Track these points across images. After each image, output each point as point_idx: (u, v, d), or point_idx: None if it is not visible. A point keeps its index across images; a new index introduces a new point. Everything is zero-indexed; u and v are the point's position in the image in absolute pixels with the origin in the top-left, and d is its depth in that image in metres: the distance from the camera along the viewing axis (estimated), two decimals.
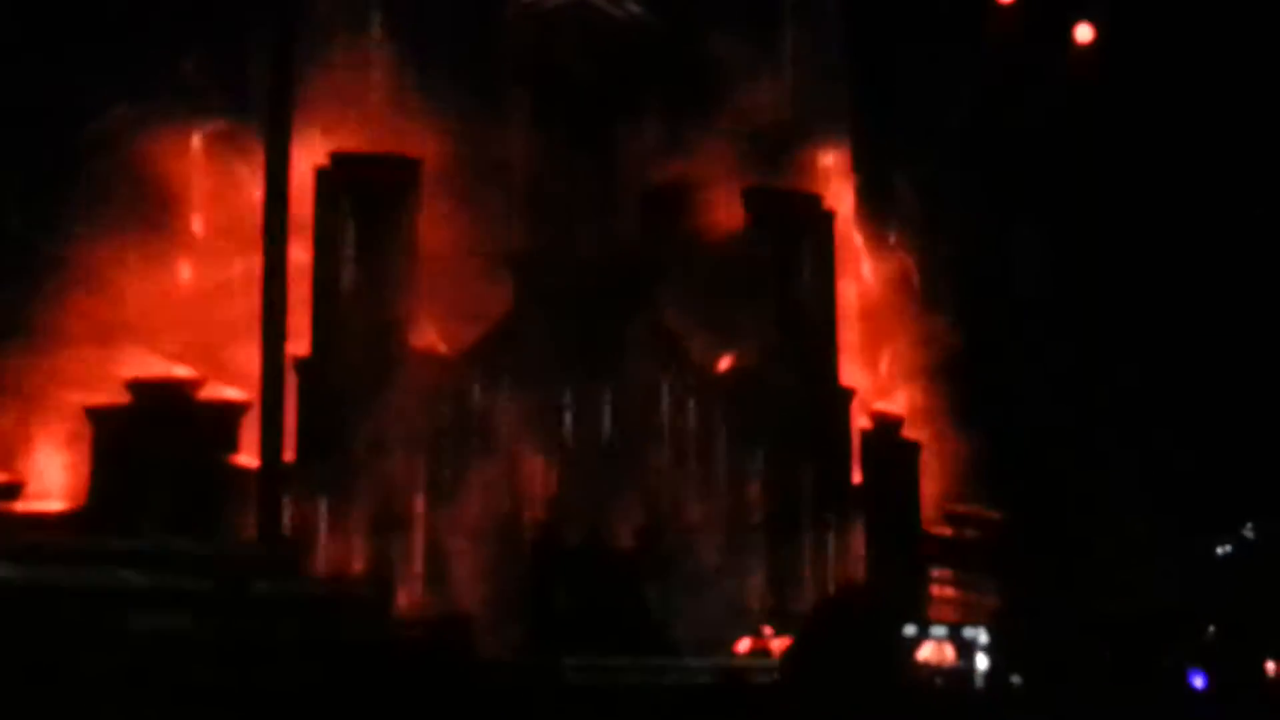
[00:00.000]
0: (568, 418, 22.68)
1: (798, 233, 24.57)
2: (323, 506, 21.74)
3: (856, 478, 23.50)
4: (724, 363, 23.33)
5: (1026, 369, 22.69)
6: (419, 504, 22.28)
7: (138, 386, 21.65)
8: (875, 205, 23.52)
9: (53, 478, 22.31)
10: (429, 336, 22.49)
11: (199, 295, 22.13)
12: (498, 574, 22.04)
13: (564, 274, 22.72)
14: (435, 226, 22.23)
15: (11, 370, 21.32)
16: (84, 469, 22.00)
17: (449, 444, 22.62)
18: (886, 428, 23.52)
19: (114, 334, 21.32)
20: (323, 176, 22.45)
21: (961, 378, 22.76)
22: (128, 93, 21.20)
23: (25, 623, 16.39)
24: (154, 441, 21.38)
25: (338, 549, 21.52)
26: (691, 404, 23.15)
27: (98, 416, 21.74)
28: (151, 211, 21.45)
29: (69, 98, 20.87)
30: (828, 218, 24.35)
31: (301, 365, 21.84)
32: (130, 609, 16.91)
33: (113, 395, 21.68)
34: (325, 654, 17.12)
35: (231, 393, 21.68)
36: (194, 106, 21.61)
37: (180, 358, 21.60)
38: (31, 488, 22.62)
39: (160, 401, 21.47)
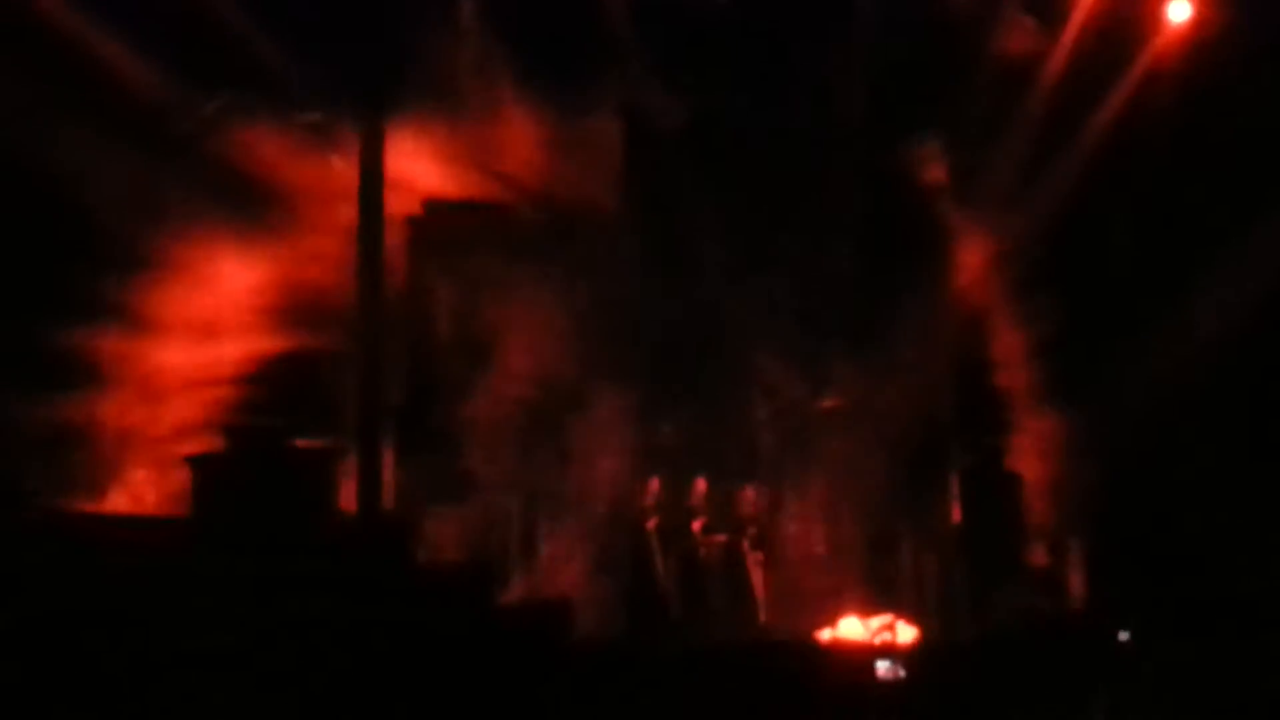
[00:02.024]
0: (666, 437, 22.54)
1: None
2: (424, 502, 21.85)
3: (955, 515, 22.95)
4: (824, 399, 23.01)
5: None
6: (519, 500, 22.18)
7: (232, 432, 21.45)
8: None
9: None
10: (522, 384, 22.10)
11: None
12: (605, 558, 22.01)
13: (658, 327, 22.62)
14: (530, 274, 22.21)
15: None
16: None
17: (549, 476, 22.15)
18: (987, 460, 22.89)
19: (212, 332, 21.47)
20: (415, 224, 22.03)
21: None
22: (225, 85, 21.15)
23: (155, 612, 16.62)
24: (251, 487, 20.97)
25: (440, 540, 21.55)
26: (788, 433, 22.96)
27: (195, 463, 20.59)
28: (249, 208, 21.38)
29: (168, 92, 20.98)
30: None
31: (398, 414, 21.72)
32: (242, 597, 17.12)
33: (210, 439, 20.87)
34: (427, 638, 17.26)
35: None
36: (290, 101, 21.53)
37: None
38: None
39: (256, 448, 21.11)
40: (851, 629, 21.15)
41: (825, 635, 21.03)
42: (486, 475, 21.79)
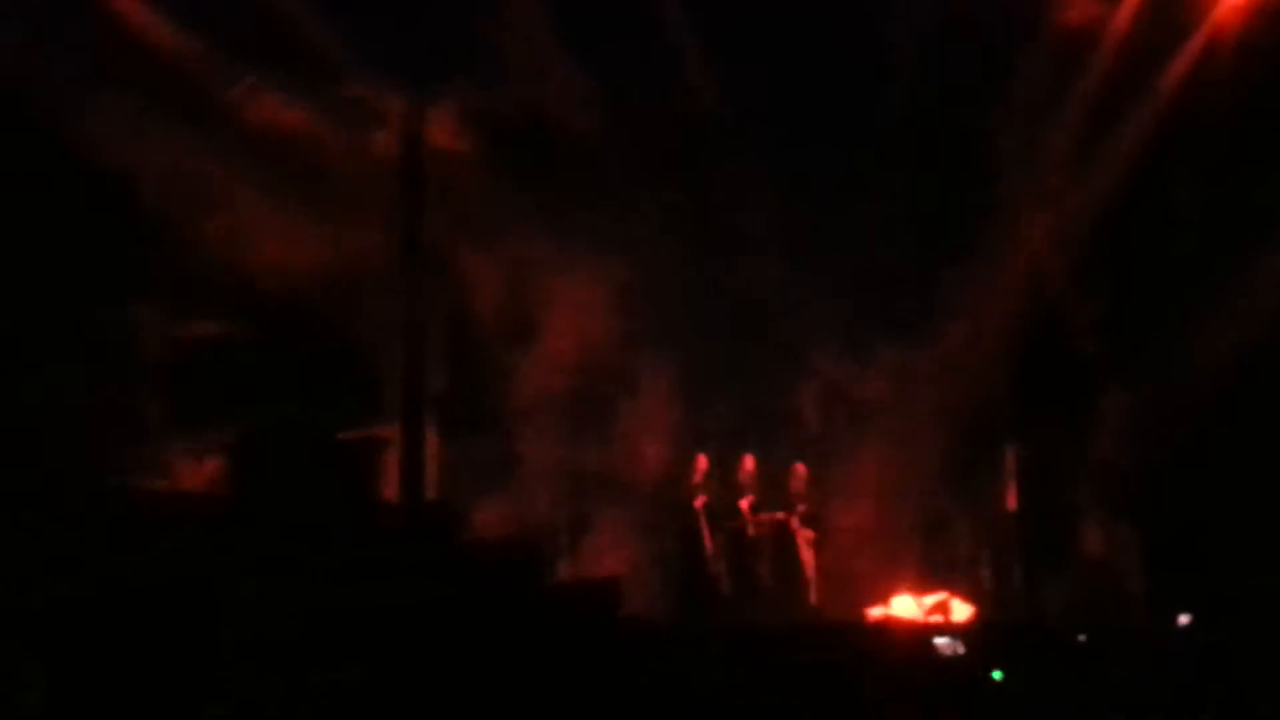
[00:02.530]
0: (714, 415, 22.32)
1: None
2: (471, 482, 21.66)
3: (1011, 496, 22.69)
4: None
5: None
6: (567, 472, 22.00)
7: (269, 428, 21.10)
8: None
9: None
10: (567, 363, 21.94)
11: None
12: (653, 537, 21.82)
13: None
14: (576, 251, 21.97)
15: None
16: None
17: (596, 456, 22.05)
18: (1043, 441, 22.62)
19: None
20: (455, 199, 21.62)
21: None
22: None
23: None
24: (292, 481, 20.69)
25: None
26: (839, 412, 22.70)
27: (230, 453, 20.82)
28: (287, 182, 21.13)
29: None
30: None
31: (441, 398, 21.61)
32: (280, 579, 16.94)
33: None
34: (474, 616, 17.06)
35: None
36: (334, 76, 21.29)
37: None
38: None
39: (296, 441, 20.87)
40: (905, 607, 20.95)
41: (878, 613, 20.87)
42: (532, 456, 21.72)
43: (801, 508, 21.84)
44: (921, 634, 19.24)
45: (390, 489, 20.48)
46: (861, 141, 22.05)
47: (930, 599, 21.08)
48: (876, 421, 22.50)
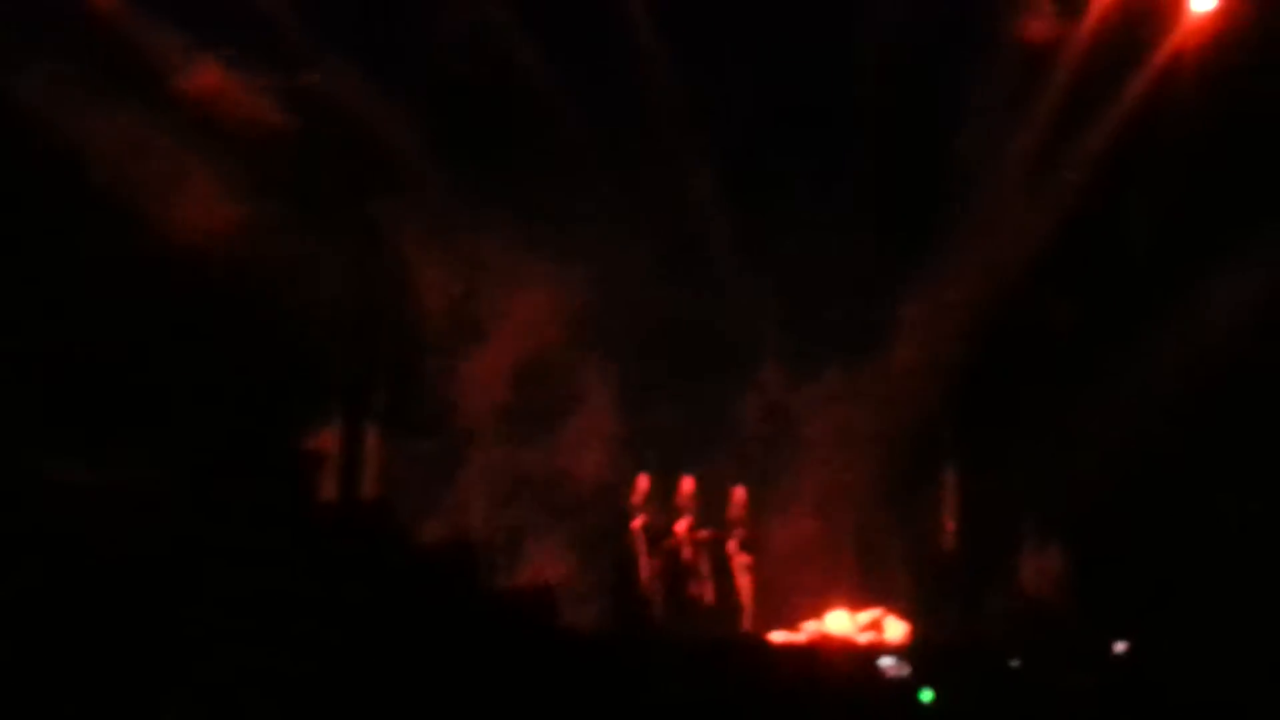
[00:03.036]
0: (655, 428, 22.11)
1: None
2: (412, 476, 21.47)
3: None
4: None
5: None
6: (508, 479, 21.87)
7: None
8: None
9: None
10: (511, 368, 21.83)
11: None
12: (589, 549, 21.63)
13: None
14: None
15: None
16: None
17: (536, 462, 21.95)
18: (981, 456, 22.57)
19: None
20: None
21: None
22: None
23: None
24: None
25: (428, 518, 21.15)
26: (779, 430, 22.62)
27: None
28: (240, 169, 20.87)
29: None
30: None
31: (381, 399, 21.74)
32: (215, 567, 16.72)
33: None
34: (404, 617, 16.88)
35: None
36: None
37: None
38: None
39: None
40: (839, 623, 20.82)
41: (812, 627, 20.73)
42: (472, 460, 21.56)
43: (740, 532, 21.56)
44: (865, 654, 19.23)
45: (329, 490, 20.35)
46: (817, 152, 21.96)
47: (865, 615, 20.94)
48: (817, 437, 22.39)
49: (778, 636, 20.41)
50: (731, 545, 21.51)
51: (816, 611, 20.99)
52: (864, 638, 20.68)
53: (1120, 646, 19.31)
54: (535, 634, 17.70)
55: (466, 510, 21.39)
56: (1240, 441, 21.14)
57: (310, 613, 16.64)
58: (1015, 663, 18.54)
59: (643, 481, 21.44)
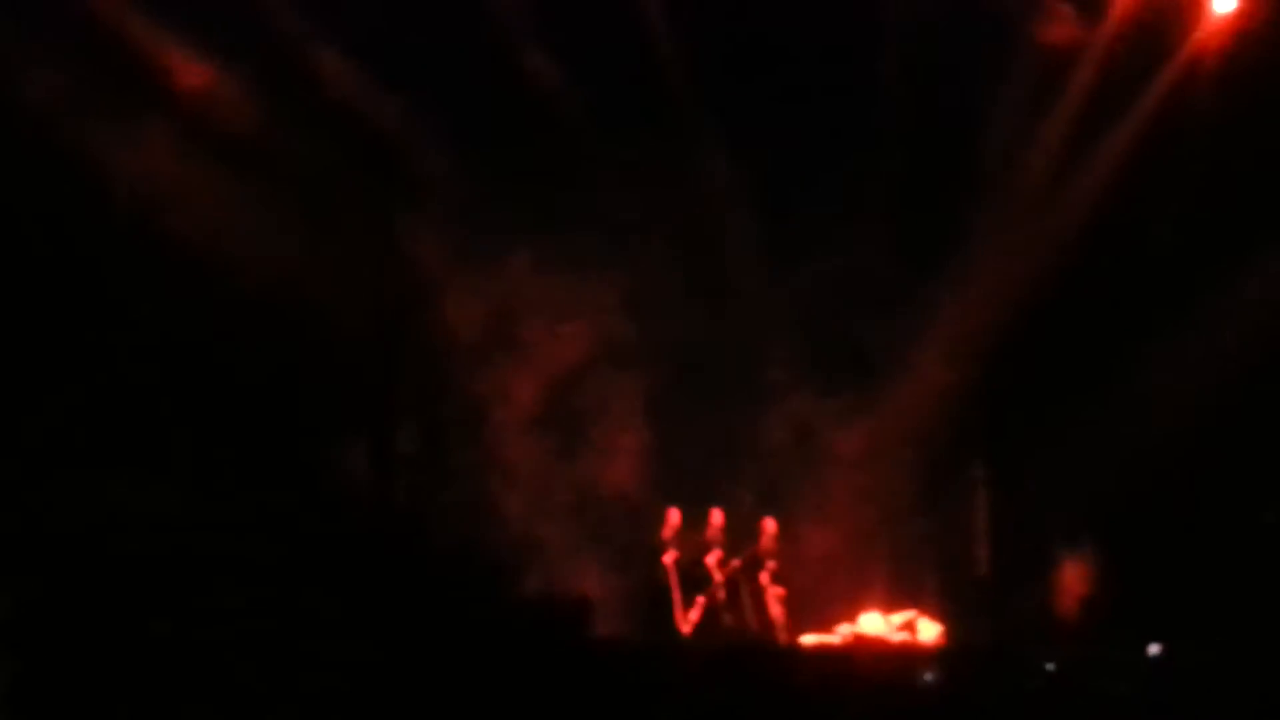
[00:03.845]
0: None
1: None
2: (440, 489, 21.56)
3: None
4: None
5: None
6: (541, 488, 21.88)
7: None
8: None
9: None
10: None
11: None
12: (626, 560, 21.57)
13: None
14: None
15: None
16: None
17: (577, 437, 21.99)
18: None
19: None
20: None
21: None
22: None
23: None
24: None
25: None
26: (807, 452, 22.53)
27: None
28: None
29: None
30: None
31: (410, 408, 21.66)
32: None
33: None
34: (443, 628, 16.95)
35: None
36: None
37: None
38: None
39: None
40: (873, 624, 20.82)
41: (846, 630, 20.74)
42: (500, 471, 21.60)
43: (771, 564, 21.41)
44: (900, 659, 19.28)
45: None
46: (842, 163, 21.91)
47: (899, 616, 20.96)
48: (844, 450, 22.40)
49: (810, 639, 20.55)
50: (763, 577, 21.39)
51: (849, 616, 20.97)
52: (898, 638, 20.70)
53: (1155, 649, 19.30)
54: (571, 643, 17.80)
55: (496, 519, 21.28)
56: (1273, 441, 21.17)
57: (343, 621, 16.76)
58: (1050, 666, 18.51)
59: (674, 516, 21.32)
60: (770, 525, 21.48)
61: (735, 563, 21.31)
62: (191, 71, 20.30)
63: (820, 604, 21.35)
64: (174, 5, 19.95)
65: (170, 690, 15.69)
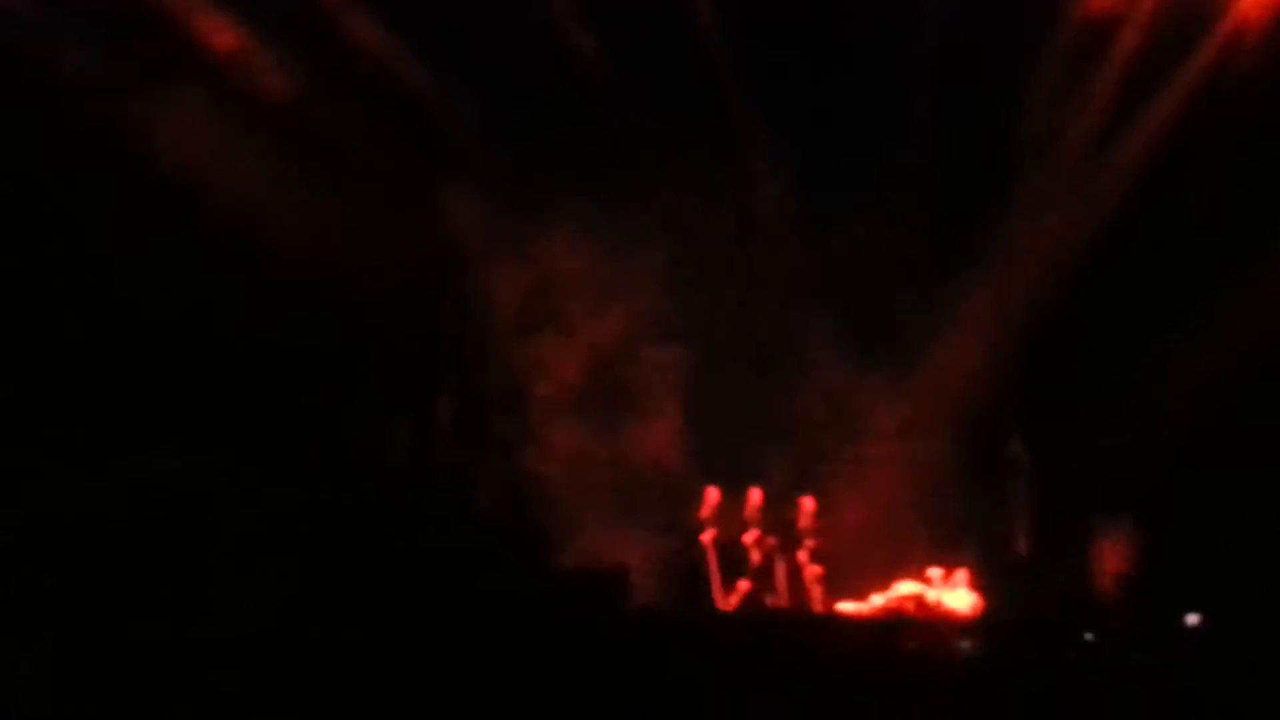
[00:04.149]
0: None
1: None
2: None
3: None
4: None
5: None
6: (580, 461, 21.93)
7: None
8: None
9: None
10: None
11: None
12: (665, 534, 21.57)
13: None
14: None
15: None
16: None
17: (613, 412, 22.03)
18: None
19: None
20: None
21: None
22: None
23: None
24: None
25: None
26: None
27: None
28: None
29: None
30: None
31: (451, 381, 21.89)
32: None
33: None
34: (482, 598, 17.03)
35: None
36: None
37: None
38: None
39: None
40: (908, 587, 20.88)
41: (878, 601, 20.77)
42: (540, 444, 21.70)
43: (810, 543, 21.40)
44: (937, 628, 19.32)
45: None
46: (875, 142, 21.97)
47: (935, 570, 21.04)
48: (882, 426, 22.45)
49: (847, 607, 20.62)
50: (801, 556, 21.38)
51: (885, 586, 21.01)
52: (934, 593, 20.79)
53: (1193, 619, 19.34)
54: (609, 613, 17.88)
55: (535, 495, 21.33)
56: None
57: (386, 593, 16.87)
58: (1089, 636, 18.53)
59: (712, 494, 21.37)
60: (808, 504, 21.48)
61: (772, 541, 21.32)
62: (229, 40, 20.42)
63: (857, 578, 21.31)
64: None
65: (217, 661, 15.73)
